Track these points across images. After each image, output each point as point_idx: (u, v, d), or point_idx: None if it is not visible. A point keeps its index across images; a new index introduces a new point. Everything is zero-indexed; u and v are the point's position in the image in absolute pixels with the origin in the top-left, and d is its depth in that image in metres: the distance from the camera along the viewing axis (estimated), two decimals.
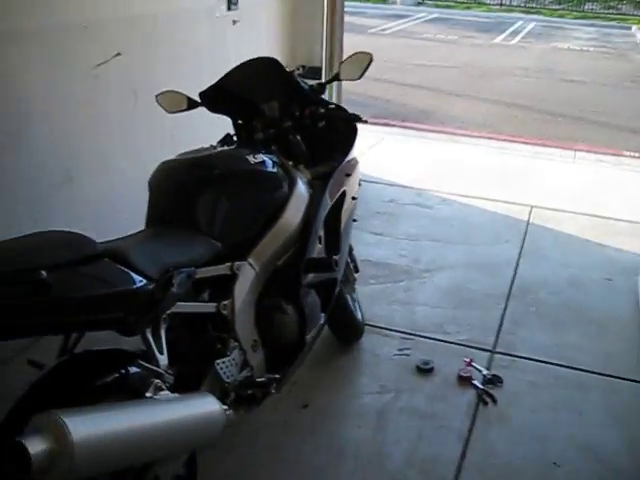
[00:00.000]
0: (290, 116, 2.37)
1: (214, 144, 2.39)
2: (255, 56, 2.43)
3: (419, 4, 21.49)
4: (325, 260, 2.23)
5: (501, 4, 21.88)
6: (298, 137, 2.38)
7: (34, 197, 2.86)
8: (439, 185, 5.13)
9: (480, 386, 2.77)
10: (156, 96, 2.52)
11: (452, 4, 21.87)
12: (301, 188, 2.22)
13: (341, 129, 2.51)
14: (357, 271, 2.90)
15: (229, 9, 4.11)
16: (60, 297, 1.35)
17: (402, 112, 7.98)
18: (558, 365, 2.95)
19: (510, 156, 6.15)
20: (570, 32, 17.07)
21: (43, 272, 1.30)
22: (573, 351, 3.05)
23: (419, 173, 5.42)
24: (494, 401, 2.69)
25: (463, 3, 22.07)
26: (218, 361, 1.87)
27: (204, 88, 2.37)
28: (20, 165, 2.77)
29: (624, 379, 2.88)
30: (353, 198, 2.55)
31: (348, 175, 2.47)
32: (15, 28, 2.65)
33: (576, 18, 20.03)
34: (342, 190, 2.42)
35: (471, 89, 9.57)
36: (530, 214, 4.66)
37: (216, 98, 2.41)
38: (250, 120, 2.37)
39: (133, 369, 1.62)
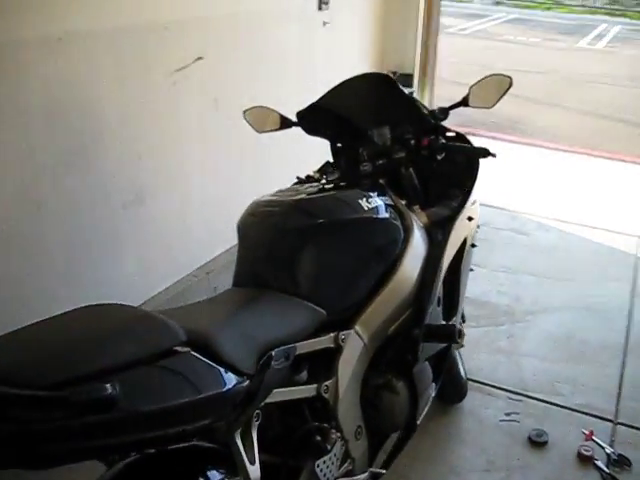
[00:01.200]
0: (403, 145, 1.99)
1: (312, 173, 2.04)
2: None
3: (497, 3, 20.75)
4: (448, 329, 1.85)
5: (583, 5, 20.94)
6: (411, 171, 2.00)
7: (102, 218, 2.55)
8: (534, 207, 4.67)
9: (605, 469, 2.34)
10: (244, 112, 2.17)
11: (531, 4, 21.02)
12: (418, 238, 1.84)
13: (460, 162, 2.11)
14: (464, 321, 2.49)
15: (319, 9, 3.75)
16: (129, 413, 1.00)
17: (486, 120, 7.49)
18: None
19: (610, 176, 5.62)
20: None
21: (107, 386, 0.95)
22: None
23: (511, 192, 4.97)
24: None
25: (543, 4, 21.21)
26: (319, 462, 1.49)
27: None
28: (87, 184, 2.46)
29: None
30: (473, 245, 2.15)
31: (470, 219, 2.07)
32: (82, 29, 2.34)
33: None
34: (464, 238, 2.03)
35: (558, 97, 8.98)
36: (639, 247, 4.16)
37: (315, 119, 2.05)
38: (354, 147, 2.00)
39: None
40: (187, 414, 1.09)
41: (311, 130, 2.09)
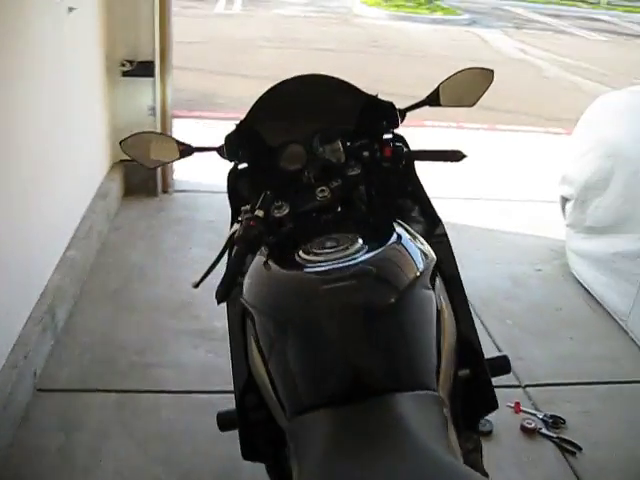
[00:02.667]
0: (357, 158, 1.65)
1: (250, 208, 1.57)
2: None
3: None
4: (501, 360, 1.63)
5: None
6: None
7: None
8: None
9: (553, 435, 2.38)
10: (121, 144, 1.63)
11: None
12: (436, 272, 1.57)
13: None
14: None
15: None
16: None
17: (180, 99, 7.12)
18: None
19: None
20: None
21: None
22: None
23: None
24: (579, 448, 2.33)
25: None
26: None
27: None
28: None
29: None
30: None
31: None
32: None
33: None
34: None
35: (237, 65, 8.93)
36: None
37: (241, 141, 1.64)
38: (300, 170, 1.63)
39: None
40: None
41: (235, 155, 1.66)
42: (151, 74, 4.09)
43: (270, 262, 1.44)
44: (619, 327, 3.12)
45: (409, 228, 1.55)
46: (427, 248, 1.49)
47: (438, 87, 1.69)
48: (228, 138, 1.62)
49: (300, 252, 1.41)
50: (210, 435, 2.10)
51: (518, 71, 10.24)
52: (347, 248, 1.39)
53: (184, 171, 4.51)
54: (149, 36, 4.01)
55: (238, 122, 1.63)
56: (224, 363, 2.56)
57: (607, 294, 3.24)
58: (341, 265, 1.34)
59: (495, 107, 7.88)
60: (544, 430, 2.40)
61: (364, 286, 1.31)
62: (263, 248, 1.49)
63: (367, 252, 1.37)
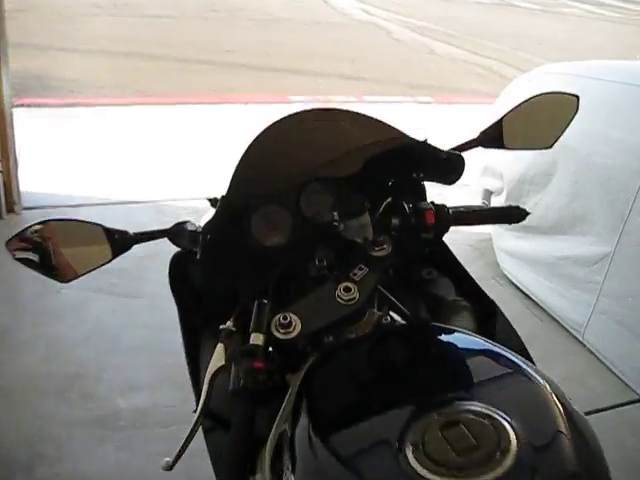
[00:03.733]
0: (386, 231, 1.14)
1: (233, 323, 1.05)
2: None
3: None
4: None
5: None
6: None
7: None
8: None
9: None
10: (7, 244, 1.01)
11: None
12: None
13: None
14: None
15: None
16: None
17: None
18: None
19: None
20: None
21: None
22: None
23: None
24: None
25: None
26: None
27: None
28: None
29: None
30: None
31: None
32: None
33: None
34: None
35: (66, 38, 7.82)
36: None
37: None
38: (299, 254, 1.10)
39: None
40: None
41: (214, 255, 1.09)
42: None
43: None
44: (574, 339, 2.82)
45: (493, 345, 1.03)
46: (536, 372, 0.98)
47: (501, 121, 1.18)
48: (207, 230, 1.03)
49: (408, 452, 0.80)
50: None
51: (368, 34, 9.95)
52: (495, 458, 0.77)
53: (31, 181, 3.71)
54: None
55: (220, 198, 1.04)
56: (145, 464, 1.97)
57: (555, 301, 2.93)
58: None
59: (357, 76, 7.53)
60: None
61: None
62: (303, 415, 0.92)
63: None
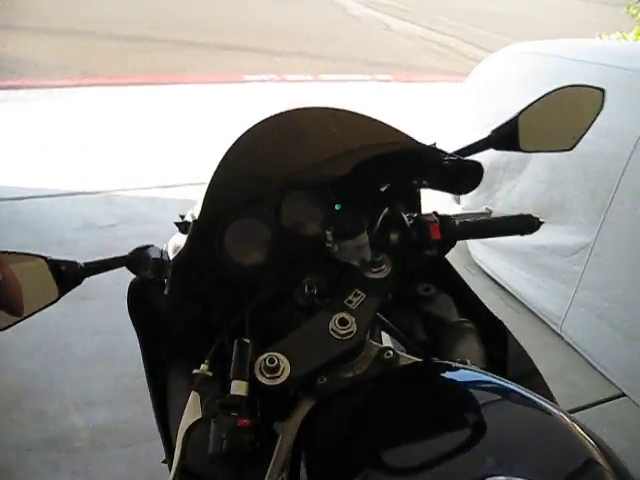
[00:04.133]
0: (384, 249, 0.98)
1: (208, 367, 0.89)
2: None
3: None
4: None
5: None
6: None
7: None
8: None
9: None
10: None
11: None
12: None
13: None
14: None
15: None
16: None
17: None
18: None
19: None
20: None
21: None
22: None
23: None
24: None
25: None
26: None
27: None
28: None
29: None
30: None
31: None
32: None
33: None
34: None
35: (15, 14, 7.40)
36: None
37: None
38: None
39: None
40: None
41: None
42: None
43: None
44: (552, 332, 2.72)
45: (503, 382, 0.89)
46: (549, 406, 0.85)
47: (516, 118, 1.03)
48: (178, 263, 0.86)
49: None
50: None
51: (324, 10, 9.71)
52: None
53: None
54: None
55: (191, 223, 0.87)
56: None
57: (531, 293, 2.82)
58: None
59: (313, 53, 7.32)
60: None
61: None
62: None
63: None
